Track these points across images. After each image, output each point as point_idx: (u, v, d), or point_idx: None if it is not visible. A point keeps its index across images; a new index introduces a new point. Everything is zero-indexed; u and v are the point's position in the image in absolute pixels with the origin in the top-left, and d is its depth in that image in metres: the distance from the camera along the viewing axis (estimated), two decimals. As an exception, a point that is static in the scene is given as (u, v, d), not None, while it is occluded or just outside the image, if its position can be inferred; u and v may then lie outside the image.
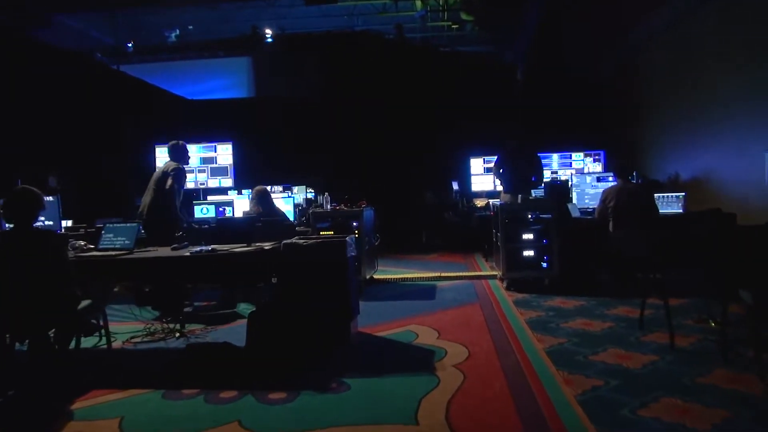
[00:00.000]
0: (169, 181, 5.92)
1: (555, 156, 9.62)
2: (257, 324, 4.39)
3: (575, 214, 6.94)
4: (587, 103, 10.70)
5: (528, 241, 6.62)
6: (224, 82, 15.81)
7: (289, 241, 4.74)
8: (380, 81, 13.80)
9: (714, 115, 7.70)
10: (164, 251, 4.82)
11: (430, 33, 17.91)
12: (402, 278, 7.58)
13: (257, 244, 4.99)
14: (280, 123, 13.04)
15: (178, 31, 16.34)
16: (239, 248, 4.58)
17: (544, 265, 6.60)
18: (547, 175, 8.89)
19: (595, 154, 9.58)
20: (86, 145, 10.46)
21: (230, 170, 8.36)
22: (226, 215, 7.39)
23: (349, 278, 4.76)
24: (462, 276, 7.54)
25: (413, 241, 11.05)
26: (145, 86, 13.30)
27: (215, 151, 8.39)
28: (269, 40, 15.33)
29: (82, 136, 10.58)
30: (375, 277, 7.61)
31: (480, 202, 9.90)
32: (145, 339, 5.09)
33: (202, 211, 7.38)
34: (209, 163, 8.39)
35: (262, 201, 6.70)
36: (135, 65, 15.64)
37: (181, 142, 6.20)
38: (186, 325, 5.40)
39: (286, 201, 7.45)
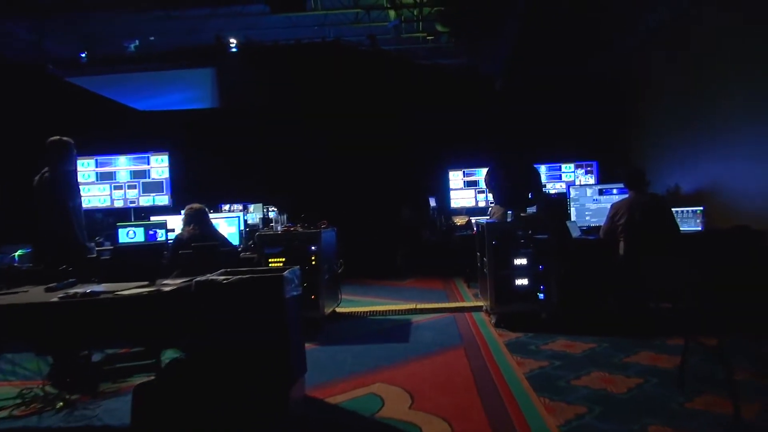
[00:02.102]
0: (61, 196, 4.48)
1: (543, 168, 8.34)
2: (148, 400, 2.96)
3: (575, 233, 5.63)
4: (576, 111, 9.47)
5: (521, 267, 5.28)
6: (187, 94, 14.39)
7: (203, 278, 3.33)
8: (352, 92, 12.52)
9: (722, 120, 6.47)
10: (35, 293, 3.39)
11: (405, 45, 16.74)
12: (371, 312, 6.19)
13: (167, 281, 3.59)
14: (241, 136, 11.65)
15: (137, 42, 14.89)
16: (129, 291, 3.16)
17: (541, 296, 5.26)
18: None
19: (587, 165, 8.33)
20: (19, 163, 8.94)
21: (166, 185, 6.89)
22: (159, 240, 5.94)
23: (289, 327, 3.36)
24: (442, 308, 6.17)
25: (386, 263, 9.65)
26: (94, 98, 11.83)
27: (148, 163, 6.92)
28: (234, 50, 13.98)
29: (15, 153, 9.07)
30: (338, 310, 6.20)
31: (460, 220, 8.56)
32: (14, 412, 3.62)
33: (128, 235, 5.92)
34: (141, 178, 6.92)
35: (197, 222, 5.28)
36: (91, 77, 14.18)
37: (65, 138, 4.67)
38: (85, 385, 3.95)
39: (229, 222, 6.02)
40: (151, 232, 5.97)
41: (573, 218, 5.88)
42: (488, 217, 6.42)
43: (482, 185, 8.17)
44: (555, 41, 10.97)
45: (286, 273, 3.38)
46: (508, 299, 5.27)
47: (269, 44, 14.41)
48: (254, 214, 8.67)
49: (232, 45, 13.96)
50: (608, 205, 5.84)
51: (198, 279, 3.32)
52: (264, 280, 3.32)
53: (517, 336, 4.97)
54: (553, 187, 8.22)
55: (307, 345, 4.90)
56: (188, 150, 11.14)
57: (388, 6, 14.17)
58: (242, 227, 6.51)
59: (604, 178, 8.21)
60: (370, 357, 4.52)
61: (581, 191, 5.95)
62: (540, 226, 5.33)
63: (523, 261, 5.28)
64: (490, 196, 7.22)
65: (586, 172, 8.30)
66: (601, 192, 5.91)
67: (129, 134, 9.93)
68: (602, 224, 5.30)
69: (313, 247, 5.50)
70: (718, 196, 6.51)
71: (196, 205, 5.36)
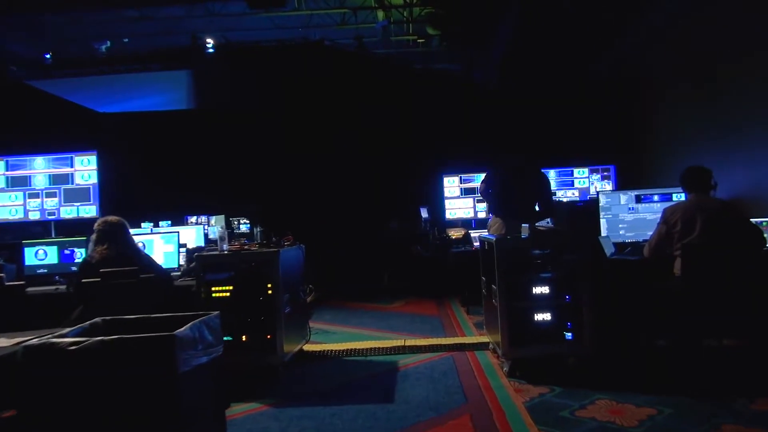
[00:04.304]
0: None
1: (552, 173, 7.00)
2: None
3: (609, 251, 4.26)
4: (587, 111, 8.11)
5: (541, 297, 3.89)
6: (161, 98, 13.00)
7: (37, 341, 1.91)
8: (335, 95, 11.20)
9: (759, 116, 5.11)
10: None
11: (394, 49, 15.48)
12: (347, 350, 4.76)
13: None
14: (210, 139, 10.30)
15: (108, 44, 13.50)
16: None
17: (568, 335, 3.86)
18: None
19: (603, 170, 6.99)
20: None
21: (93, 192, 5.43)
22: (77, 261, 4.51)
23: (187, 420, 1.95)
24: (437, 345, 4.75)
25: (372, 283, 8.22)
26: (47, 99, 10.50)
27: (71, 166, 5.47)
28: (210, 50, 12.61)
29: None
30: (306, 348, 4.78)
31: (456, 233, 7.18)
32: None
33: (37, 255, 4.50)
34: (62, 183, 5.47)
35: (113, 240, 3.86)
36: (56, 80, 12.80)
37: None
38: None
39: (166, 240, 4.59)
40: (67, 252, 4.55)
41: (604, 232, 4.50)
42: (487, 232, 5.11)
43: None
44: (557, 39, 9.67)
45: (184, 330, 1.97)
46: (526, 340, 3.86)
47: (248, 45, 13.10)
48: (216, 227, 7.28)
49: (208, 45, 12.61)
50: (647, 216, 4.52)
51: (28, 343, 1.90)
52: (142, 344, 1.90)
53: (540, 392, 3.56)
54: (564, 195, 6.88)
55: (257, 407, 3.51)
56: (148, 154, 9.82)
57: (376, 6, 12.89)
58: (181, 245, 5.05)
59: (622, 183, 6.88)
60: (338, 430, 3.11)
61: (613, 198, 4.57)
62: (565, 244, 3.96)
63: (545, 289, 3.89)
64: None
65: (603, 178, 6.97)
66: (638, 199, 4.53)
67: (77, 136, 8.51)
68: (648, 238, 3.92)
69: (270, 272, 4.09)
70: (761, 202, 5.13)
71: (111, 218, 3.93)
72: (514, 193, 4.88)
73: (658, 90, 7.25)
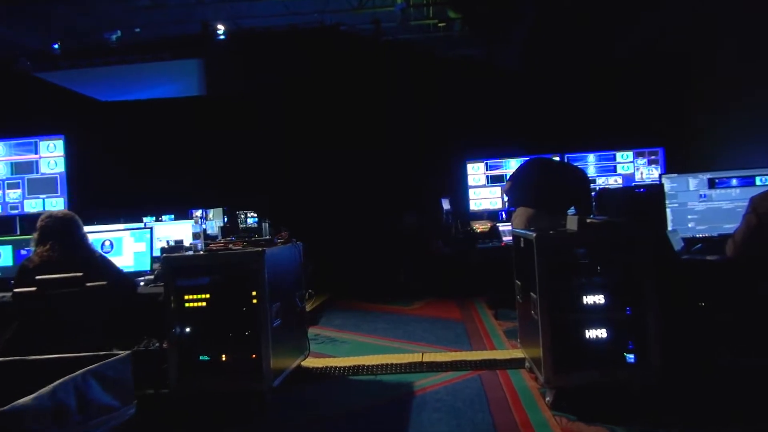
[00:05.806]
0: None
1: (591, 157, 6.04)
2: None
3: (677, 247, 3.33)
4: (630, 89, 7.06)
5: (595, 308, 2.99)
6: (170, 87, 12.36)
7: None
8: (349, 79, 10.39)
9: None
10: None
11: (414, 34, 14.60)
12: (354, 367, 3.91)
13: None
14: (215, 127, 9.57)
15: (119, 33, 12.88)
16: None
17: (630, 357, 2.95)
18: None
19: (650, 153, 6.01)
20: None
21: (59, 183, 4.65)
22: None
23: None
24: (461, 363, 3.88)
25: (387, 282, 7.34)
26: (48, 88, 9.90)
27: (35, 152, 4.71)
28: (222, 37, 11.89)
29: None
30: (305, 364, 3.95)
31: (481, 227, 6.26)
32: None
33: (-11, 257, 3.77)
34: (26, 173, 4.70)
35: (59, 239, 3.07)
36: (65, 71, 12.25)
37: None
38: None
39: (137, 238, 3.79)
40: (23, 252, 3.79)
41: (670, 225, 3.56)
42: (511, 225, 4.34)
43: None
44: (586, 13, 8.62)
45: (28, 401, 1.14)
46: (574, 363, 2.97)
47: (261, 30, 12.35)
48: (214, 221, 6.50)
49: (219, 32, 11.92)
50: (724, 205, 3.59)
51: None
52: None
53: (596, 434, 2.68)
54: (605, 183, 5.92)
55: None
56: (150, 143, 9.15)
57: (395, -13, 12.01)
58: (177, 241, 4.28)
59: (672, 167, 5.89)
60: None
61: (680, 183, 3.60)
62: (624, 240, 3.05)
63: (599, 298, 2.99)
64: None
65: (649, 162, 5.98)
66: (712, 183, 3.58)
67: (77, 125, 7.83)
68: (732, 233, 2.99)
69: (254, 277, 3.26)
70: None
71: (58, 212, 3.15)
72: (548, 185, 4.15)
73: (715, 60, 6.16)
